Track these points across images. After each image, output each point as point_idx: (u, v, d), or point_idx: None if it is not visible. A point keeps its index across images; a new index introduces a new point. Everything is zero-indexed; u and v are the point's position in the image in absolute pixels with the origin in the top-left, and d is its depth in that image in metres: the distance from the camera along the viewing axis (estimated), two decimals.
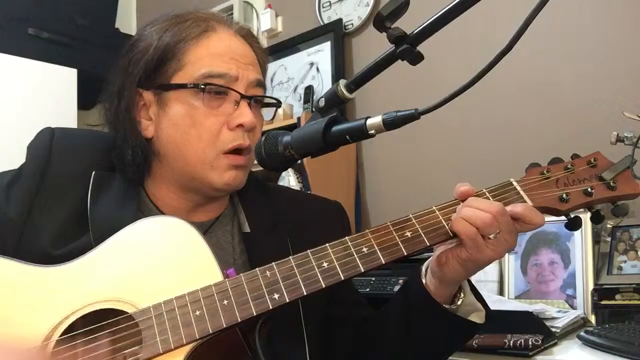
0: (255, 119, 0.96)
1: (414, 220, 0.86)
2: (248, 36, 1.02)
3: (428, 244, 0.85)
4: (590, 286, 1.61)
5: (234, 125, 0.94)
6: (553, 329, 1.41)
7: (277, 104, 1.05)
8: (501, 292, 1.78)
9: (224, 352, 0.82)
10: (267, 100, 1.03)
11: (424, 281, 0.92)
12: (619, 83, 1.86)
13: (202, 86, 0.93)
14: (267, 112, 1.08)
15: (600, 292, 1.55)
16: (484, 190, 0.89)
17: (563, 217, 0.89)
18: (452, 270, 0.86)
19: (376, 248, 0.83)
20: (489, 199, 0.87)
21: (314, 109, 1.04)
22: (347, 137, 0.82)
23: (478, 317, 0.93)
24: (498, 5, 1.98)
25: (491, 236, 0.82)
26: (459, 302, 0.92)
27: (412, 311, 0.93)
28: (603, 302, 1.53)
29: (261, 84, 1.00)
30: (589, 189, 0.87)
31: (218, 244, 0.99)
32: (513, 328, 1.38)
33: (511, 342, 1.34)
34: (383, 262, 0.83)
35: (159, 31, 0.97)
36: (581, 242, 1.67)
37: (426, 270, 0.93)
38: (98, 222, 0.91)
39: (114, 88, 0.98)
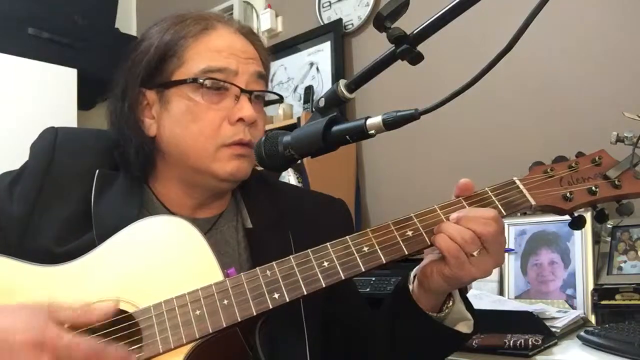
0: (256, 114, 0.96)
1: (415, 220, 0.85)
2: (249, 34, 1.02)
3: (429, 244, 0.84)
4: (590, 286, 1.61)
5: (235, 120, 0.94)
6: (553, 329, 1.41)
7: (279, 99, 1.06)
8: (501, 292, 1.78)
9: (224, 351, 0.82)
10: (268, 97, 1.03)
11: (410, 287, 0.92)
12: (619, 83, 1.86)
13: (201, 81, 0.93)
14: (271, 110, 1.08)
15: (600, 292, 1.55)
16: (487, 189, 0.88)
17: (566, 216, 0.88)
18: (436, 284, 0.86)
19: (377, 247, 0.83)
20: (491, 198, 0.86)
21: (314, 109, 1.04)
22: (347, 137, 0.82)
23: (466, 327, 0.92)
24: (498, 5, 1.98)
25: (475, 253, 0.81)
26: (446, 311, 0.91)
27: (398, 317, 0.94)
28: (603, 302, 1.53)
29: (262, 77, 1.00)
30: (593, 188, 0.86)
31: (224, 239, 1.00)
32: (513, 328, 1.38)
33: (511, 342, 1.34)
34: (384, 261, 0.82)
35: (160, 31, 0.98)
36: (581, 242, 1.67)
37: (414, 277, 0.92)
38: (101, 221, 0.91)
39: (118, 89, 0.99)
